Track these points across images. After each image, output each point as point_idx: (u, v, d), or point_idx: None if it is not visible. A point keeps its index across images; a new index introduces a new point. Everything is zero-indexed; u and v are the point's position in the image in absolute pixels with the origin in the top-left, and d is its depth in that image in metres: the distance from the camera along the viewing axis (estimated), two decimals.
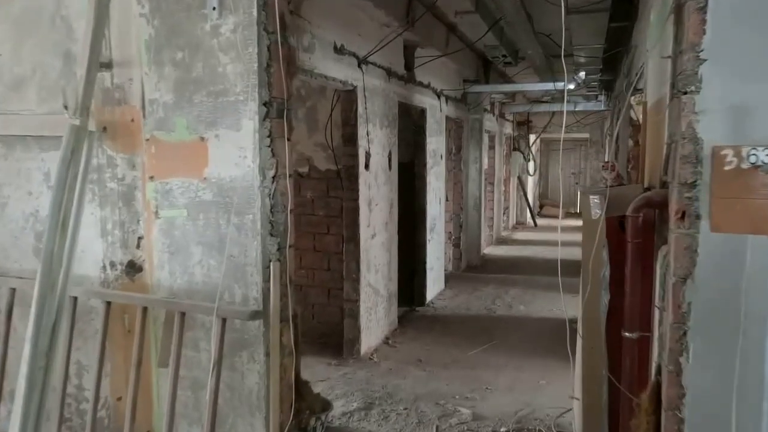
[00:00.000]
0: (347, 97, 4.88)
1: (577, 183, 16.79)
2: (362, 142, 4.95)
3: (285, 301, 2.94)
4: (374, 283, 5.30)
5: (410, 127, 6.68)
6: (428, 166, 6.77)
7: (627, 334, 2.69)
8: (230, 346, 2.96)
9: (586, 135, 14.14)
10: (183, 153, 3.01)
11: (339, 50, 4.48)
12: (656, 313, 2.56)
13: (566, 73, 2.79)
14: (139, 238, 3.18)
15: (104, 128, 3.18)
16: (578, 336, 3.27)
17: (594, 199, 2.77)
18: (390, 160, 5.63)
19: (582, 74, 7.80)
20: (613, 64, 7.94)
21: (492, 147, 10.70)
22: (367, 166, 5.06)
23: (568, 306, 6.78)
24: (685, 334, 2.12)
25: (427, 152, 6.71)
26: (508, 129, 12.32)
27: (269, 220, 2.90)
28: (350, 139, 4.92)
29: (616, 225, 2.74)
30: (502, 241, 11.48)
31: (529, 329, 6.00)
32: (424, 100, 6.60)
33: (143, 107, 3.08)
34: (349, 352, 5.06)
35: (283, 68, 2.87)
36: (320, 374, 4.76)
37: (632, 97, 4.64)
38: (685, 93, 2.01)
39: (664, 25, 2.50)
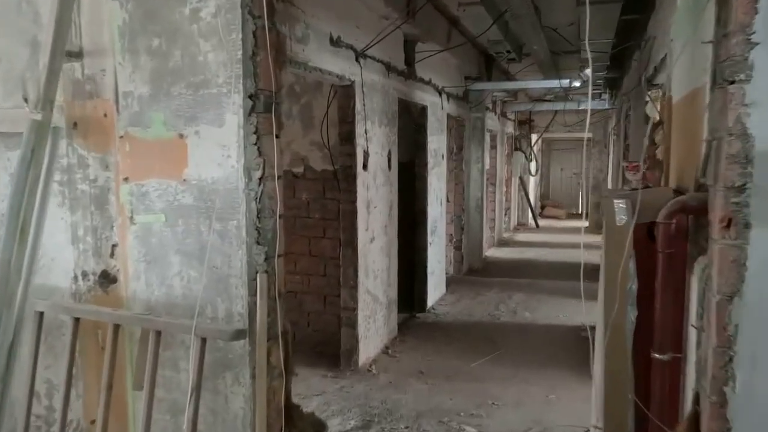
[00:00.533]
0: (344, 93, 4.57)
1: (579, 183, 16.49)
2: (360, 141, 4.64)
3: (273, 316, 2.63)
4: (373, 290, 4.99)
5: (410, 126, 6.37)
6: (429, 166, 6.46)
7: (657, 355, 2.38)
8: (213, 366, 2.65)
9: (589, 134, 13.84)
10: (160, 151, 2.69)
11: (335, 42, 4.17)
12: (692, 333, 2.26)
13: (591, 63, 2.48)
14: (113, 246, 2.87)
15: (74, 124, 2.86)
16: (595, 354, 2.97)
17: (619, 204, 2.47)
18: (389, 159, 5.32)
19: (588, 71, 7.49)
20: (620, 60, 7.65)
21: (493, 146, 10.40)
22: (365, 167, 4.75)
23: (578, 313, 6.47)
24: (731, 360, 1.83)
25: (428, 152, 6.40)
26: (510, 128, 12.02)
27: (255, 227, 2.59)
28: (347, 137, 4.60)
29: (644, 233, 2.44)
30: (503, 243, 11.17)
31: (535, 337, 5.69)
32: (425, 97, 6.29)
33: (116, 101, 2.76)
34: (347, 364, 4.75)
35: (270, 57, 2.55)
36: (315, 387, 4.45)
37: (649, 93, 4.34)
38: (732, 82, 1.72)
39: (704, 6, 2.19)
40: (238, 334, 2.40)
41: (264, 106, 2.56)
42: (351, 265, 4.68)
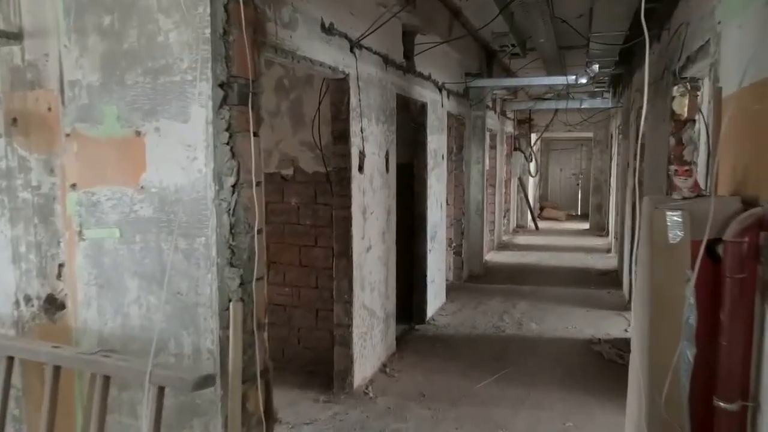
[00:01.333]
0: (338, 87, 4.08)
1: (578, 184, 16.04)
2: (355, 140, 4.16)
3: (251, 353, 2.14)
4: (369, 304, 4.51)
5: (409, 124, 5.90)
6: (429, 167, 5.98)
7: (722, 403, 1.92)
8: (177, 413, 2.17)
9: (589, 134, 13.42)
10: (113, 152, 2.21)
11: (328, 30, 3.68)
12: None
13: (648, 48, 2.01)
14: (60, 266, 2.38)
15: (14, 120, 2.37)
16: (632, 394, 2.51)
17: (673, 217, 2.00)
18: (387, 161, 4.83)
19: (596, 67, 7.03)
20: (628, 56, 7.21)
21: (493, 146, 9.93)
22: (360, 168, 4.27)
23: (588, 325, 6.00)
24: None
25: (428, 152, 5.92)
26: (509, 127, 11.55)
27: (228, 245, 2.10)
28: (341, 136, 4.12)
29: (703, 253, 1.98)
30: (503, 247, 10.71)
31: (544, 353, 5.22)
32: (425, 93, 5.82)
33: (62, 91, 2.27)
34: (340, 386, 4.26)
35: (246, 37, 2.07)
36: (305, 415, 3.96)
37: (677, 87, 3.89)
38: None
39: None
40: (204, 382, 1.91)
41: (238, 96, 2.07)
42: (345, 277, 4.20)
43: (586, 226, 13.30)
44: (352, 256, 4.16)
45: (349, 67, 4.01)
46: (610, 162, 11.46)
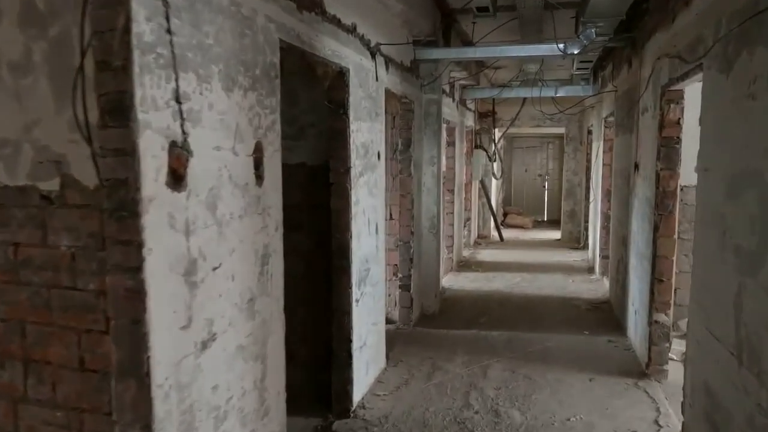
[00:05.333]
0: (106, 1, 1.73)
1: (544, 186, 14.00)
2: (156, 118, 1.81)
3: None
4: None
5: (319, 102, 3.58)
6: (355, 172, 3.65)
7: None
8: None
9: (556, 130, 11.39)
10: None
11: None
12: None
13: None
14: None
15: None
16: None
17: None
18: (260, 162, 2.48)
19: (591, 32, 4.88)
20: (632, 20, 5.10)
21: (451, 143, 7.71)
22: (177, 180, 1.91)
23: (596, 411, 3.59)
24: None
25: (351, 148, 3.57)
26: (470, 120, 9.35)
27: None
28: (115, 108, 1.76)
29: None
30: (464, 265, 8.49)
31: None
32: (345, 53, 3.48)
33: None
34: None
35: None
36: None
37: None
38: None
39: None
40: None
41: None
42: (136, 421, 1.84)
43: (556, 235, 11.22)
44: (148, 373, 1.81)
45: None
46: (587, 163, 9.41)
